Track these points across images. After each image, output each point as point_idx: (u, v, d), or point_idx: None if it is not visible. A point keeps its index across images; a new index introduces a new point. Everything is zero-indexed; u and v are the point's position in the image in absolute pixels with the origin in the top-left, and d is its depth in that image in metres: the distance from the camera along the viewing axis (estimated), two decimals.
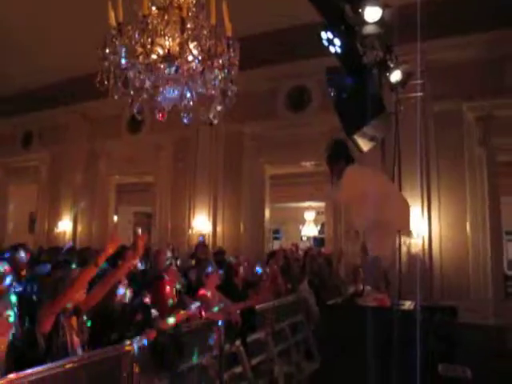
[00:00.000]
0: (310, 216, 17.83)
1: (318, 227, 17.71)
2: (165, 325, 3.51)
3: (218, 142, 9.68)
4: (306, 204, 16.73)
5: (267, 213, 9.66)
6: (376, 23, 3.89)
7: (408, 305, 3.94)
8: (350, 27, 3.93)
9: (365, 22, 3.87)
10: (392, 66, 4.48)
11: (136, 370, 3.11)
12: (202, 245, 8.12)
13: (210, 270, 4.59)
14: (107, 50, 2.82)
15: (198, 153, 9.97)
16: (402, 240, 5.04)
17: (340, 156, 4.28)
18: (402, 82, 4.67)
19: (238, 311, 4.46)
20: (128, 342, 3.14)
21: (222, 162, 9.76)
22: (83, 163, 11.66)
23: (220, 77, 3.06)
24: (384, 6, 3.86)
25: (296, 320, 5.94)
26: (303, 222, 18.18)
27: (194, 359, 3.75)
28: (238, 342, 4.33)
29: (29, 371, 2.49)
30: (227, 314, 4.28)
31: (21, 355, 2.91)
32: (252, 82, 9.03)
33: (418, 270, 6.83)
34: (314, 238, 18.41)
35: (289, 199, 15.85)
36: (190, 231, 9.77)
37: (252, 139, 9.49)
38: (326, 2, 3.77)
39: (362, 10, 3.81)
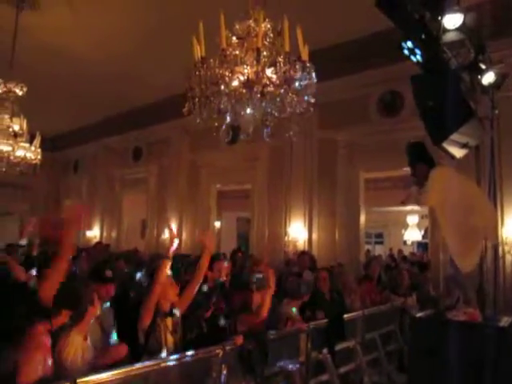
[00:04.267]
0: (412, 220, 17.28)
1: (422, 232, 17.07)
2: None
3: (311, 150, 9.80)
4: (409, 207, 16.18)
5: (362, 218, 9.57)
6: (458, 29, 3.80)
7: (505, 321, 3.77)
8: (431, 35, 3.88)
9: (446, 29, 3.81)
10: (484, 67, 4.31)
11: (224, 371, 3.37)
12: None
13: None
14: (192, 81, 3.14)
15: (292, 161, 10.17)
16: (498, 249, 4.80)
17: (419, 158, 4.22)
18: (497, 84, 4.46)
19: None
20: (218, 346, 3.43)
21: (316, 169, 9.85)
22: (186, 173, 12.45)
23: (295, 99, 3.22)
24: (465, 10, 3.76)
25: (388, 330, 5.88)
26: (406, 226, 17.66)
27: (280, 365, 3.92)
28: (325, 350, 4.42)
29: (129, 368, 2.86)
30: None
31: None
32: (343, 90, 9.07)
33: None
34: (418, 243, 17.76)
35: (391, 203, 15.51)
36: (286, 238, 9.99)
37: (345, 146, 9.48)
38: (403, 13, 3.76)
39: (442, 17, 3.75)
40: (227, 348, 3.39)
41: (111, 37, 8.61)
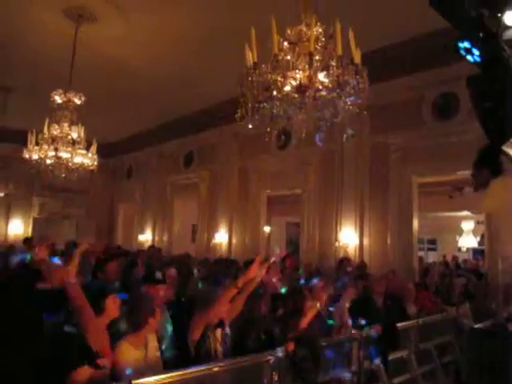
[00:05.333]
0: (468, 226, 16.67)
1: (478, 238, 16.41)
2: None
3: (362, 155, 9.64)
4: (464, 213, 15.62)
5: (415, 224, 9.30)
6: None
7: None
8: (489, 33, 3.73)
9: (506, 26, 3.65)
10: None
11: (275, 378, 3.35)
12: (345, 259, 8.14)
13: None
14: (244, 87, 3.16)
15: (343, 165, 10.05)
16: None
17: (485, 164, 4.04)
18: None
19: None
20: (269, 352, 3.41)
21: (367, 173, 9.68)
22: (236, 179, 12.54)
23: (349, 103, 3.18)
24: None
25: (444, 341, 5.67)
26: (460, 232, 17.04)
27: (332, 373, 3.86)
28: (377, 360, 4.32)
29: (181, 372, 2.90)
30: None
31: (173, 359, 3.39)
32: (396, 92, 8.87)
33: None
34: (474, 250, 17.09)
35: (444, 208, 15.04)
36: (337, 244, 9.86)
37: (397, 150, 9.26)
38: (460, 11, 3.63)
39: (502, 14, 3.60)
40: (279, 354, 3.38)
41: (164, 45, 8.83)
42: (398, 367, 4.69)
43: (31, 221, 16.88)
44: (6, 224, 16.14)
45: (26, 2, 7.53)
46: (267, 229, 13.98)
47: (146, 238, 15.25)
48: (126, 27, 8.18)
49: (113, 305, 3.19)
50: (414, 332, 5.12)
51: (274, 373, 3.37)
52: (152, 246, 10.21)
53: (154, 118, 13.43)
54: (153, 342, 3.40)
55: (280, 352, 3.37)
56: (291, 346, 3.49)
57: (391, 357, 4.57)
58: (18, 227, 16.27)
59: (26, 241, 10.42)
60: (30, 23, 8.21)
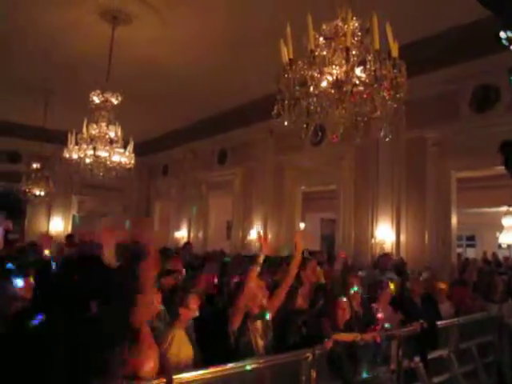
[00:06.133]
0: (509, 222, 16.14)
1: None
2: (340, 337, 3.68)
3: (398, 150, 9.46)
4: (505, 208, 15.13)
5: (454, 220, 9.09)
6: None
7: None
8: None
9: None
10: None
11: (313, 375, 3.34)
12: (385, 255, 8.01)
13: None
14: (280, 84, 3.15)
15: (379, 160, 9.91)
16: None
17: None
18: None
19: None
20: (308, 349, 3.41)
21: (404, 169, 9.51)
22: (271, 175, 12.55)
23: (388, 98, 3.12)
24: None
25: (486, 340, 5.52)
26: (501, 228, 16.52)
27: (370, 371, 3.82)
28: (417, 358, 4.25)
29: (220, 368, 2.93)
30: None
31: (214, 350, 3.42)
32: (432, 85, 8.67)
33: None
34: None
35: (484, 203, 14.65)
36: (373, 240, 9.74)
37: (435, 144, 9.06)
38: (503, 0, 3.52)
39: None
40: (317, 352, 3.37)
41: (198, 44, 8.90)
42: (437, 367, 4.60)
43: (71, 218, 17.39)
44: (48, 221, 16.71)
45: (64, 6, 7.73)
46: (302, 225, 13.92)
47: (181, 234, 15.45)
48: (162, 28, 8.29)
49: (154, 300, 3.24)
50: (454, 331, 5.01)
51: (312, 370, 3.36)
52: (188, 243, 10.34)
53: (189, 116, 13.55)
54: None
55: (318, 349, 3.36)
56: (329, 344, 3.48)
57: (431, 356, 4.49)
58: (58, 224, 16.80)
59: (68, 237, 10.77)
60: (67, 26, 8.42)
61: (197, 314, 3.29)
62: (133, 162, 7.95)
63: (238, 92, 10.87)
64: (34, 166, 13.25)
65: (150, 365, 2.67)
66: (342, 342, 3.66)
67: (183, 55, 9.42)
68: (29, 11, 7.94)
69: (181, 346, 3.12)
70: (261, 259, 3.56)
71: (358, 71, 3.07)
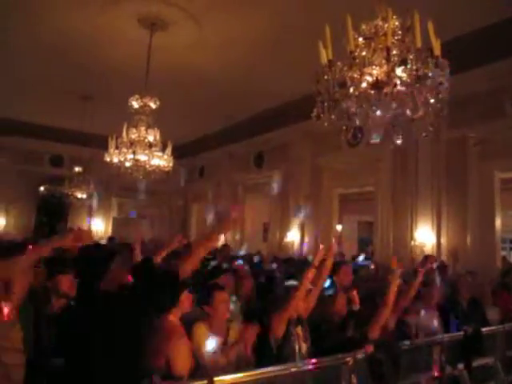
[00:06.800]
0: None
1: None
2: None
3: (438, 150, 9.23)
4: None
5: (498, 222, 8.79)
6: None
7: None
8: None
9: None
10: None
11: (354, 380, 3.28)
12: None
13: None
14: (320, 85, 3.12)
15: (418, 161, 9.69)
16: None
17: None
18: None
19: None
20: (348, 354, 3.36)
21: (444, 169, 9.26)
22: (308, 177, 12.48)
23: (430, 97, 3.05)
24: None
25: None
26: None
27: (412, 378, 3.73)
28: (460, 365, 4.11)
29: (262, 370, 2.92)
30: None
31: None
32: (474, 83, 8.40)
33: None
34: None
35: None
36: (413, 242, 9.53)
37: (477, 144, 8.78)
38: None
39: None
40: (358, 357, 3.31)
41: (234, 47, 8.96)
42: (483, 375, 4.44)
43: (111, 220, 17.83)
44: (89, 223, 17.19)
45: (103, 14, 7.92)
46: (339, 228, 13.79)
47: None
48: (197, 33, 8.40)
49: (186, 300, 3.26)
50: (500, 337, 4.83)
51: (352, 375, 3.31)
52: (225, 245, 10.40)
53: (225, 119, 13.65)
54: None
55: (359, 354, 3.31)
56: (370, 348, 3.42)
57: (475, 363, 4.33)
58: (99, 226, 17.24)
59: (110, 240, 11.05)
60: (107, 34, 8.65)
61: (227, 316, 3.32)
62: (171, 164, 8.07)
63: (274, 94, 10.88)
64: (76, 169, 13.68)
65: (185, 363, 2.69)
66: (383, 345, 3.59)
67: (219, 59, 9.50)
68: (70, 21, 8.20)
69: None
70: (317, 262, 3.55)
71: (399, 71, 3.00)
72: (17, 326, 2.84)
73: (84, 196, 13.80)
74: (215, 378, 2.63)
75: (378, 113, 3.09)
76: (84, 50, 9.31)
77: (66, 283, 3.40)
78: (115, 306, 2.66)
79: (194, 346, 3.01)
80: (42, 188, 16.58)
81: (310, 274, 3.52)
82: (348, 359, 3.29)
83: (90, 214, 17.20)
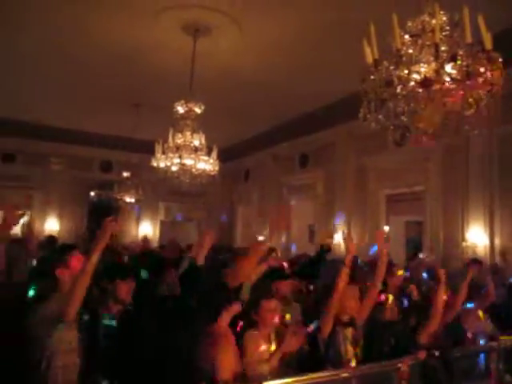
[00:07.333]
0: None
1: None
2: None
3: (491, 147, 8.87)
4: None
5: None
6: None
7: None
8: None
9: None
10: None
11: None
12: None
13: None
14: (366, 85, 3.06)
15: (469, 159, 9.35)
16: None
17: None
18: None
19: None
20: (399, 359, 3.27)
21: (497, 167, 8.88)
22: (353, 178, 12.30)
23: (482, 93, 2.93)
24: None
25: None
26: None
27: None
28: None
29: (310, 375, 2.90)
30: None
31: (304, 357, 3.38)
32: None
33: None
34: None
35: None
36: (464, 243, 9.21)
37: None
38: None
39: None
40: (409, 363, 3.23)
41: (276, 49, 8.94)
42: None
43: (158, 223, 18.21)
44: (137, 226, 17.63)
45: (148, 24, 8.10)
46: (386, 228, 13.49)
47: (263, 238, 15.50)
48: (240, 37, 8.43)
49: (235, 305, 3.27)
50: None
51: (403, 382, 3.23)
52: (272, 248, 10.37)
53: (269, 121, 13.68)
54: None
55: (411, 360, 3.22)
56: (423, 355, 3.32)
57: None
58: (147, 229, 17.64)
59: (162, 247, 11.24)
60: (152, 42, 8.83)
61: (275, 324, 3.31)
62: (217, 168, 8.14)
63: (318, 95, 10.79)
64: (125, 174, 14.04)
65: (231, 368, 2.70)
66: (438, 351, 3.48)
67: (261, 61, 9.52)
68: (117, 31, 8.43)
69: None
70: (349, 261, 3.49)
71: (449, 67, 2.90)
72: (73, 325, 2.95)
73: (132, 200, 14.15)
74: (264, 383, 2.64)
75: (427, 112, 3.00)
76: (132, 60, 9.56)
77: (125, 289, 3.50)
78: (173, 310, 2.73)
79: (244, 353, 3.02)
80: (92, 193, 17.15)
81: (344, 273, 3.44)
82: (399, 365, 3.21)
83: (138, 218, 17.64)
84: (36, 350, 2.85)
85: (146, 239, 12.74)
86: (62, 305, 2.81)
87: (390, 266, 4.66)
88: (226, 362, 2.72)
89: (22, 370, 2.90)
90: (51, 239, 9.10)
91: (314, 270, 6.77)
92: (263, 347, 3.18)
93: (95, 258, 2.78)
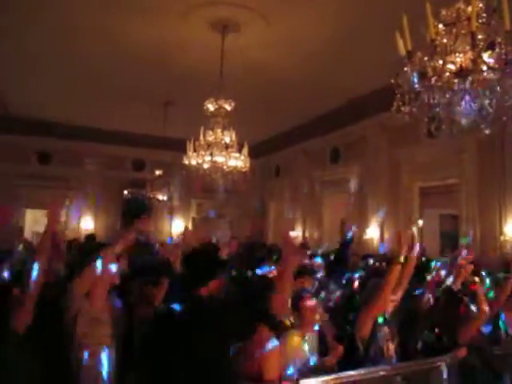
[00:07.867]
0: None
1: None
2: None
3: None
4: None
5: None
6: None
7: None
8: None
9: None
10: None
11: None
12: None
13: None
14: (399, 78, 2.99)
15: (504, 151, 9.07)
16: None
17: None
18: None
19: None
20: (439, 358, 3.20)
21: None
22: (386, 171, 12.09)
23: None
24: None
25: None
26: None
27: None
28: None
29: (349, 373, 2.87)
30: None
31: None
32: None
33: None
34: None
35: None
36: (502, 237, 8.93)
37: None
38: None
39: None
40: (448, 361, 3.15)
41: (305, 43, 8.85)
42: None
43: (190, 220, 18.39)
44: (170, 223, 17.85)
45: (177, 22, 8.15)
46: (420, 222, 13.23)
47: (295, 234, 15.50)
48: (269, 32, 8.39)
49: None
50: None
51: (443, 380, 3.15)
52: (304, 243, 10.38)
53: (299, 116, 13.59)
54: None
55: (450, 358, 3.14)
56: (462, 353, 3.23)
57: None
58: (179, 226, 17.85)
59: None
60: (181, 40, 8.88)
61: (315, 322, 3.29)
62: (248, 165, 8.15)
63: (348, 88, 10.66)
64: (157, 172, 14.22)
65: (277, 369, 2.70)
66: (475, 349, 3.38)
67: (291, 56, 9.45)
68: (147, 30, 8.52)
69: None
70: (401, 259, 3.42)
71: (486, 56, 2.80)
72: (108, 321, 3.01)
73: (165, 198, 14.33)
74: (301, 381, 2.62)
75: (464, 102, 2.91)
76: (162, 58, 9.65)
77: (160, 294, 3.57)
78: (217, 312, 2.74)
79: (285, 354, 3.02)
80: (125, 191, 17.45)
81: (396, 270, 3.37)
82: (439, 363, 3.14)
83: (171, 215, 17.86)
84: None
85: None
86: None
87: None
88: (272, 363, 2.72)
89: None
90: (91, 237, 9.36)
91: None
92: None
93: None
